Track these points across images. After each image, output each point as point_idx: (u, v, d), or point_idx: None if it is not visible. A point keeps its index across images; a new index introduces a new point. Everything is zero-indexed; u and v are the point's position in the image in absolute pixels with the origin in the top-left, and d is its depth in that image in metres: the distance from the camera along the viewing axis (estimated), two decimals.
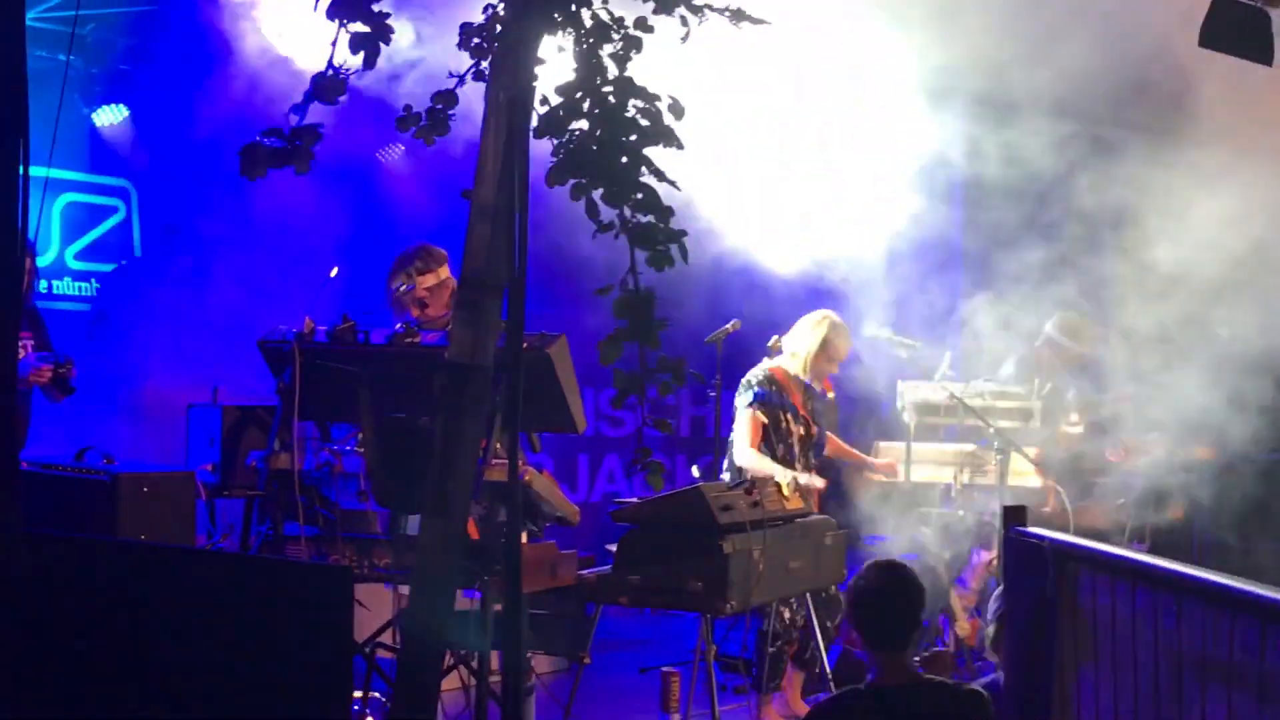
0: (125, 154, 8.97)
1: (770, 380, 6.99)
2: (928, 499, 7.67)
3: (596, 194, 3.06)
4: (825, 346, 7.01)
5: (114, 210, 9.14)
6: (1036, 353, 7.95)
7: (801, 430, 7.01)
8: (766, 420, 6.91)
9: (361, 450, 5.65)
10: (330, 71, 3.11)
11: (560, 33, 3.05)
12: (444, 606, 3.63)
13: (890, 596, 3.97)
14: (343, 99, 3.16)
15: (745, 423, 6.93)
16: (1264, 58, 4.18)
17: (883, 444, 7.90)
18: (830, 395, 7.56)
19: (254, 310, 6.80)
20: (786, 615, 6.68)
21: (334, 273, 5.78)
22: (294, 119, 3.15)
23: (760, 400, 6.92)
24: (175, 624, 3.55)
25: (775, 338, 7.24)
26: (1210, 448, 7.89)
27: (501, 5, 3.26)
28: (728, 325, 7.37)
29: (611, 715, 6.70)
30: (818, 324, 7.06)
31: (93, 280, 8.98)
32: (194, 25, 8.63)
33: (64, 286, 8.87)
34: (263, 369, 5.67)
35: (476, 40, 3.15)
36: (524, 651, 3.73)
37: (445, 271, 6.22)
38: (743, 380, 7.04)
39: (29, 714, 3.47)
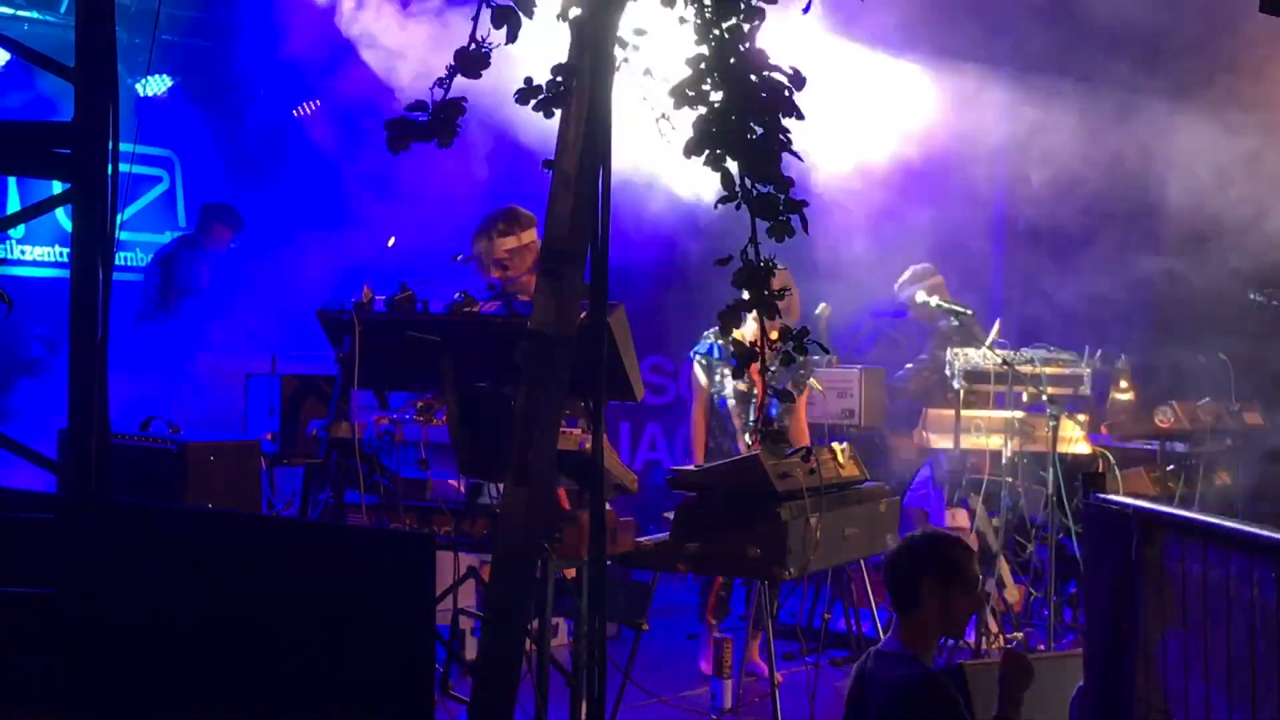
0: (169, 124, 8.97)
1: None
2: (977, 466, 7.65)
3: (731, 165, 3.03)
4: None
5: (158, 180, 9.15)
6: None
7: (743, 386, 6.81)
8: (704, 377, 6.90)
9: (422, 419, 5.66)
10: (473, 45, 3.10)
11: (682, 3, 3.03)
12: (527, 576, 3.65)
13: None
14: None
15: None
16: None
17: (932, 411, 7.87)
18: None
19: (311, 279, 6.82)
20: None
21: (391, 242, 5.78)
22: (437, 93, 3.14)
23: (703, 353, 6.90)
24: (259, 591, 3.59)
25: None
26: (1259, 413, 7.88)
27: None
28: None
29: (666, 679, 6.73)
30: None
31: (137, 250, 9.01)
32: None
33: None
34: (319, 338, 5.68)
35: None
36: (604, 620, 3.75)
37: (530, 235, 6.13)
38: None
39: (114, 680, 3.52)
